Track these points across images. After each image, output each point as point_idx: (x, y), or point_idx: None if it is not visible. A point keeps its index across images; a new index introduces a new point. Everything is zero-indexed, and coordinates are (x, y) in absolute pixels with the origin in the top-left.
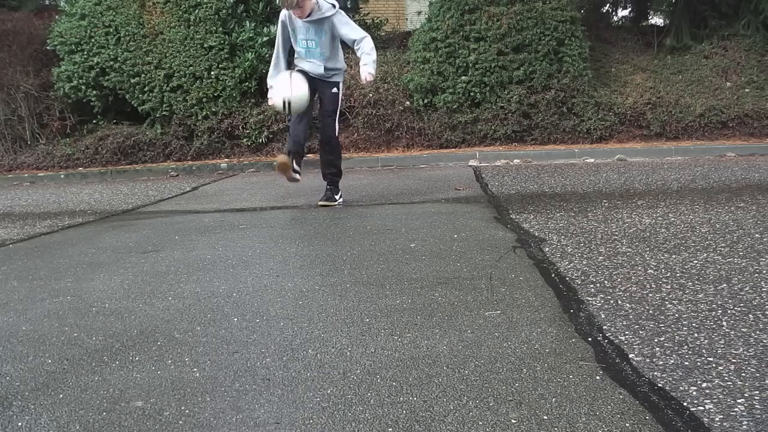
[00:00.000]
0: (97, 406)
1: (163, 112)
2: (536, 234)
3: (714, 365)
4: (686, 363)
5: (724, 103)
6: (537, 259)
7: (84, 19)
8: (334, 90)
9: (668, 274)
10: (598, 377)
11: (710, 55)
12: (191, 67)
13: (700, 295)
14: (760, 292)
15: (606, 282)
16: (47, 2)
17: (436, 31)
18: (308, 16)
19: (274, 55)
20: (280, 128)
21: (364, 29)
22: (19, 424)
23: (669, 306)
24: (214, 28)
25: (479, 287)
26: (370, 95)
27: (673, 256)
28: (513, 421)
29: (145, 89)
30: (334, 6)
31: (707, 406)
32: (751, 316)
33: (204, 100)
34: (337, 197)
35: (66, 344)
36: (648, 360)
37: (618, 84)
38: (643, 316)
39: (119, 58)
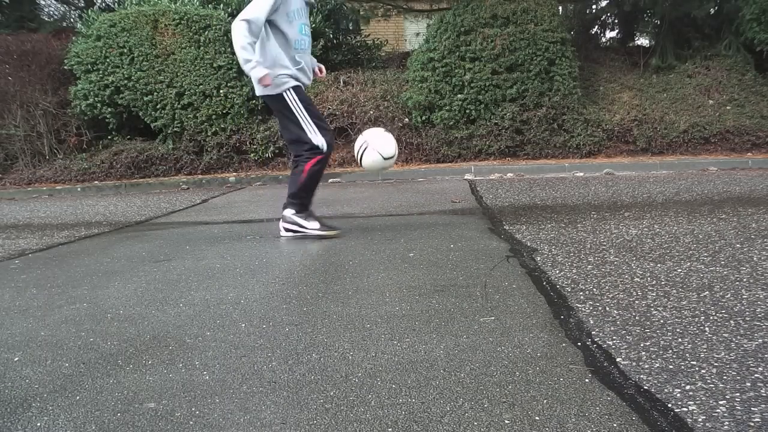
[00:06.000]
0: (112, 407)
1: (175, 129)
2: (528, 244)
3: (697, 368)
4: (671, 366)
5: (707, 119)
6: (529, 268)
7: (99, 40)
8: None
9: (654, 282)
10: (587, 380)
11: (693, 74)
12: (201, 86)
13: (684, 302)
14: (740, 299)
15: (595, 290)
16: (64, 24)
17: (434, 51)
18: None
19: (250, 31)
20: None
21: (365, 50)
22: (38, 424)
23: (654, 312)
24: (223, 48)
25: (474, 294)
26: (371, 112)
27: (659, 265)
28: (506, 421)
29: (158, 107)
30: None
31: (691, 408)
32: (732, 322)
33: (213, 117)
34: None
35: (82, 349)
36: (634, 363)
37: (606, 102)
38: (629, 322)
39: (133, 77)
